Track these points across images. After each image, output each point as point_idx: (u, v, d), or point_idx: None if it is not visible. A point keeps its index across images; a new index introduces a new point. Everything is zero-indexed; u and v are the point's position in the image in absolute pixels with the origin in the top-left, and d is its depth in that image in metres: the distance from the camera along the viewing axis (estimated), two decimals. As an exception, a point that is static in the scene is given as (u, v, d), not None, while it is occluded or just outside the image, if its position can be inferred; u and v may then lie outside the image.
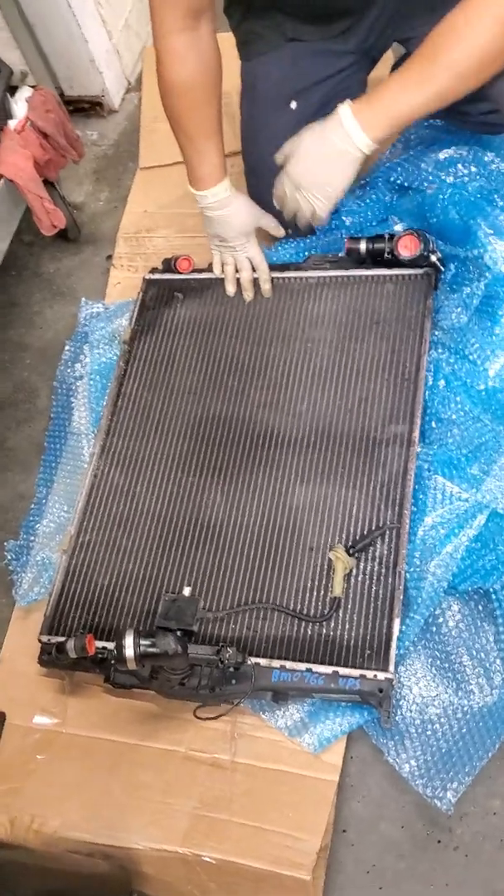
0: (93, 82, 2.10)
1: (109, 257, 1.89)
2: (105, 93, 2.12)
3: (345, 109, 1.26)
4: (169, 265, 1.65)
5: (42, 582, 1.45)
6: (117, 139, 2.12)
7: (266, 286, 1.53)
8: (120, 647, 1.15)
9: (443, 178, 1.42)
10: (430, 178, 1.44)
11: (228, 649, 1.20)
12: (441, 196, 1.39)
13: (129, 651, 1.14)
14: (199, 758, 1.22)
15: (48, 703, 1.33)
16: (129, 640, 1.15)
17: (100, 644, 1.29)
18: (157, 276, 1.66)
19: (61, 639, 1.32)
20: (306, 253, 1.61)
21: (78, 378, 1.66)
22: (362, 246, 1.46)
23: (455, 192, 1.38)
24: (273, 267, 1.58)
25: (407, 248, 1.39)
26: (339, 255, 1.56)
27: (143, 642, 1.15)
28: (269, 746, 1.22)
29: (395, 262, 1.47)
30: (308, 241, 1.62)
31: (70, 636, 1.32)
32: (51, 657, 1.32)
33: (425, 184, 1.45)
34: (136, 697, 1.30)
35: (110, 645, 1.29)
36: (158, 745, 1.24)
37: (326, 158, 1.30)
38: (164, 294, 1.64)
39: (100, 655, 1.28)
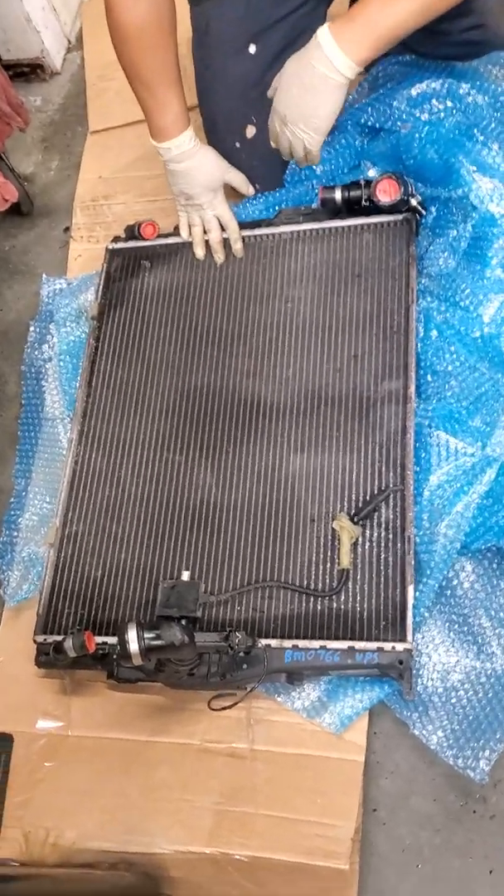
0: (31, 43, 1.97)
1: (67, 229, 1.79)
2: (45, 54, 2.00)
3: (324, 32, 1.17)
4: (132, 232, 1.55)
5: (31, 578, 1.38)
6: (63, 103, 2.00)
7: (237, 245, 1.45)
8: (123, 642, 1.08)
9: (417, 115, 1.34)
10: (404, 116, 1.36)
11: (237, 633, 1.14)
12: (417, 135, 1.31)
13: (133, 646, 1.07)
14: (216, 749, 1.16)
15: (50, 705, 1.26)
16: (132, 634, 1.08)
17: (99, 639, 1.22)
18: (120, 245, 1.57)
19: (58, 637, 1.25)
20: (276, 207, 1.52)
21: (47, 360, 1.56)
22: (337, 195, 1.38)
23: (432, 130, 1.29)
24: (243, 225, 1.49)
25: (386, 192, 1.31)
26: (313, 206, 1.47)
27: (147, 635, 1.08)
28: (288, 730, 1.16)
29: (373, 209, 1.39)
30: (277, 194, 1.53)
31: (66, 634, 1.25)
32: (48, 658, 1.24)
33: (398, 124, 1.37)
34: (142, 691, 1.24)
35: (110, 639, 1.23)
36: (171, 739, 1.18)
37: (309, 87, 1.20)
38: (129, 263, 1.55)
39: (100, 651, 1.22)
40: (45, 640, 1.27)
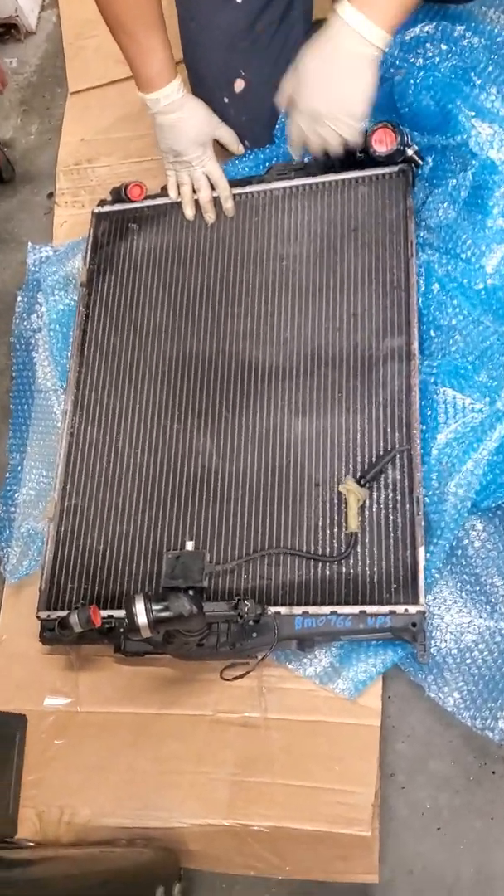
0: (3, 3, 1.90)
1: (51, 195, 1.73)
2: (18, 12, 1.92)
3: (343, 5, 1.09)
4: (119, 195, 1.50)
5: (31, 554, 1.35)
6: (40, 63, 1.93)
7: (228, 204, 1.40)
8: (131, 615, 1.05)
9: (411, 61, 1.28)
10: (397, 63, 1.30)
11: (246, 602, 1.11)
12: (412, 81, 1.26)
13: (141, 618, 1.04)
14: (229, 719, 1.14)
15: (57, 682, 1.24)
16: (139, 607, 1.05)
17: (104, 613, 1.20)
18: (107, 208, 1.52)
19: (62, 613, 1.23)
20: (267, 164, 1.47)
21: (36, 330, 1.52)
22: (330, 147, 1.33)
23: (427, 76, 1.24)
24: (233, 182, 1.44)
25: (382, 142, 1.26)
26: (305, 161, 1.43)
27: (154, 607, 1.05)
28: (301, 697, 1.14)
29: (368, 161, 1.34)
30: (267, 150, 1.48)
31: (70, 609, 1.23)
32: (53, 634, 1.22)
33: (391, 70, 1.31)
34: (150, 664, 1.22)
35: (116, 613, 1.20)
36: (183, 711, 1.16)
37: (339, 71, 1.12)
38: (117, 227, 1.50)
39: (107, 625, 1.19)
40: (48, 616, 1.24)
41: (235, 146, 1.43)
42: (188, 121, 1.33)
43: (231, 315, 1.36)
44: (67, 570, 1.27)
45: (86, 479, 1.32)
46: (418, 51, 1.29)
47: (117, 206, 1.50)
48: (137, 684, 1.20)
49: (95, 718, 1.18)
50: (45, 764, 1.15)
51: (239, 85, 1.42)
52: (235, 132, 1.45)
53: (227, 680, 1.12)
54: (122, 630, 1.19)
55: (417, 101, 1.27)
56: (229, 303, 1.37)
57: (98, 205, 1.52)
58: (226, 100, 1.42)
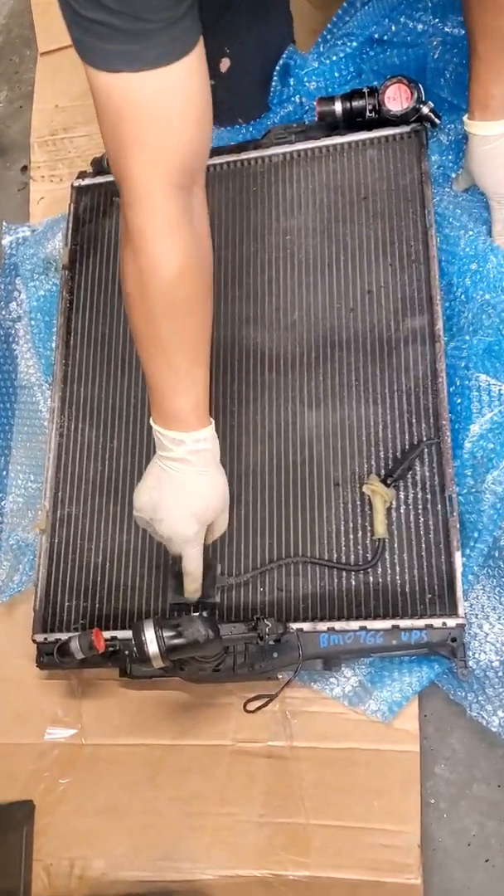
0: (-38, -44, 1.74)
1: (25, 168, 1.59)
2: (-21, -33, 1.76)
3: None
4: (101, 165, 1.36)
5: (22, 569, 1.23)
6: (6, 23, 1.77)
7: (191, 587, 1.05)
8: (140, 644, 0.94)
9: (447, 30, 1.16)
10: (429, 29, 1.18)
11: (266, 621, 1.00)
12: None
13: (151, 647, 0.93)
14: (251, 749, 1.03)
15: (58, 710, 1.13)
16: (149, 635, 0.93)
17: (107, 634, 1.08)
18: (87, 181, 1.37)
19: (60, 635, 1.11)
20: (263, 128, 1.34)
21: (16, 320, 1.39)
22: (337, 107, 1.20)
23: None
24: (226, 149, 1.31)
25: (396, 99, 1.14)
26: (305, 122, 1.29)
27: (166, 634, 0.94)
28: (330, 722, 1.04)
29: (377, 122, 1.21)
30: (261, 120, 1.35)
31: (69, 630, 1.12)
32: (51, 658, 1.10)
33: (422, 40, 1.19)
34: (160, 687, 1.10)
35: (120, 633, 1.09)
36: (200, 741, 1.05)
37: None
38: (100, 201, 1.36)
39: (110, 648, 1.08)
40: (45, 639, 1.12)
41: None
42: (212, 486, 0.99)
43: (231, 298, 1.23)
44: (63, 586, 1.16)
45: (79, 484, 1.20)
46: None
47: (99, 179, 1.36)
48: (147, 711, 1.09)
49: (104, 752, 1.07)
50: (52, 808, 1.04)
51: (224, 64, 1.30)
52: (225, 113, 1.32)
53: (251, 712, 1.01)
54: (128, 654, 1.08)
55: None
56: (228, 284, 1.24)
57: (78, 177, 1.38)
58: (212, 82, 1.29)
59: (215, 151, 1.31)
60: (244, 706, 1.00)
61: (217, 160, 1.29)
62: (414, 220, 1.18)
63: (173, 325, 0.91)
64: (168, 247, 0.87)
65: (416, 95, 1.13)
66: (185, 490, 0.97)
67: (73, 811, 1.03)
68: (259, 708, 1.00)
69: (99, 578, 1.14)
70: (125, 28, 0.76)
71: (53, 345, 1.30)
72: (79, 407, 1.24)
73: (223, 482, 1.02)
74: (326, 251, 1.21)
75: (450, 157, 1.26)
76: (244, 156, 1.29)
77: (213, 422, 0.99)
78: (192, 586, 1.04)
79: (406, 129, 1.21)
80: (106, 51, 0.78)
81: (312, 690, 1.06)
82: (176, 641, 0.94)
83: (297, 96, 1.32)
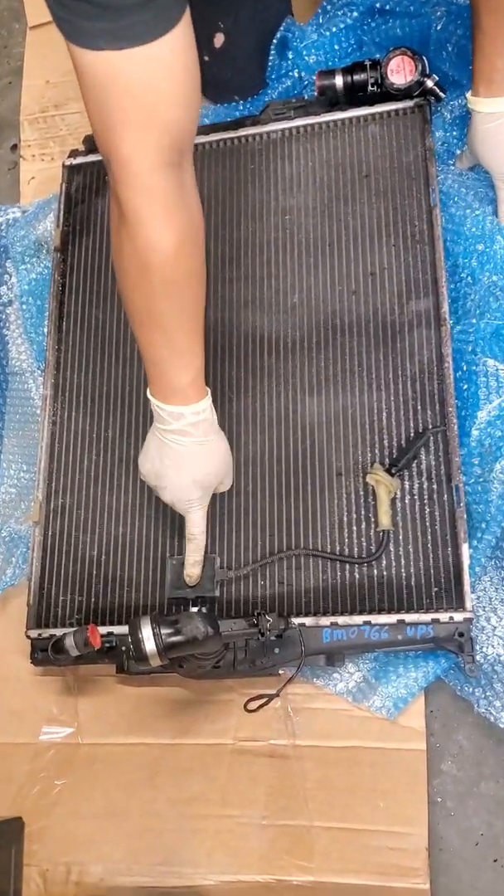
0: None
1: (15, 147, 1.54)
2: None
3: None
4: (93, 144, 1.31)
5: (15, 562, 1.19)
6: (-7, -4, 1.72)
7: (193, 570, 1.04)
8: (137, 641, 0.90)
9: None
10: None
11: (267, 616, 0.97)
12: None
13: (148, 645, 0.90)
14: (253, 748, 1.00)
15: (54, 708, 1.10)
16: (146, 632, 0.90)
17: (103, 629, 1.05)
18: (80, 159, 1.33)
19: (54, 631, 1.08)
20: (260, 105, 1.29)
21: (7, 304, 1.34)
22: (338, 80, 1.15)
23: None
24: (223, 126, 1.27)
25: (400, 71, 1.09)
26: (305, 97, 1.25)
27: (164, 631, 0.91)
28: (333, 719, 1.01)
29: (379, 96, 1.17)
30: (259, 97, 1.30)
31: (63, 625, 1.09)
32: (45, 655, 1.07)
33: (426, 9, 1.14)
34: (158, 684, 1.08)
35: (116, 629, 1.06)
36: (199, 740, 1.02)
37: None
38: (93, 181, 1.31)
39: (106, 644, 1.05)
40: (39, 634, 1.09)
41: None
42: (212, 453, 0.99)
43: (228, 279, 1.19)
44: (58, 580, 1.12)
45: (73, 474, 1.16)
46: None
47: (92, 157, 1.32)
48: (145, 709, 1.06)
49: (101, 752, 1.04)
50: (47, 811, 1.01)
51: (219, 39, 1.25)
52: (220, 89, 1.28)
53: (252, 711, 0.98)
54: (124, 650, 1.04)
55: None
56: (226, 265, 1.20)
57: (70, 156, 1.34)
58: (206, 58, 1.25)
59: (211, 128, 1.26)
60: (245, 706, 0.97)
61: (213, 137, 1.25)
62: (418, 199, 1.14)
63: (172, 301, 0.89)
64: (165, 223, 0.84)
65: (420, 68, 1.09)
66: (185, 460, 0.97)
67: (69, 814, 1.00)
68: (260, 707, 0.97)
69: (94, 572, 1.11)
70: (104, 4, 0.72)
71: (45, 330, 1.26)
72: (72, 394, 1.21)
73: (224, 447, 1.01)
74: (327, 231, 1.17)
75: (454, 133, 1.22)
76: (241, 132, 1.25)
77: (210, 390, 0.97)
78: (194, 557, 1.03)
79: (409, 103, 1.17)
80: (87, 29, 0.74)
81: (315, 686, 1.03)
82: (174, 639, 0.90)
83: (296, 70, 1.27)
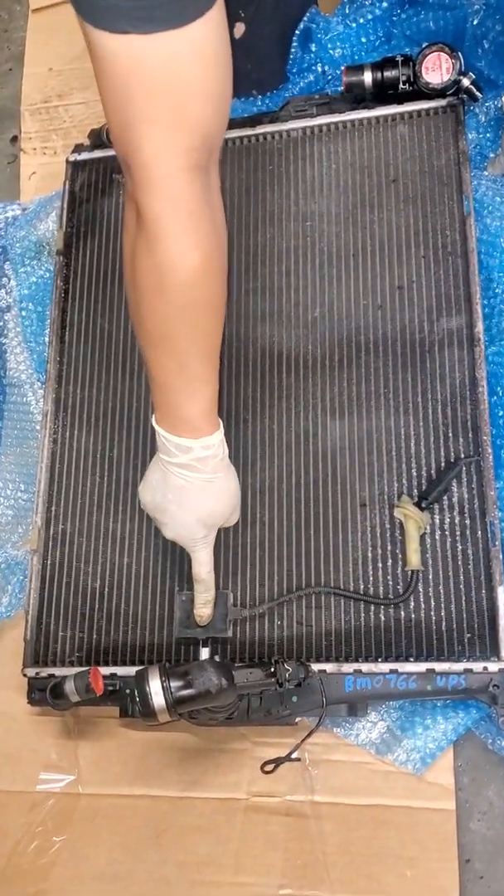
0: None
1: (15, 139, 1.45)
2: None
3: None
4: (100, 138, 1.23)
5: (11, 591, 1.11)
6: (-7, -24, 1.62)
7: (204, 610, 0.96)
8: (144, 695, 0.83)
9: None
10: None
11: (286, 665, 0.89)
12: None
13: (157, 700, 0.83)
14: (268, 805, 0.93)
15: (52, 753, 1.02)
16: (154, 686, 0.83)
17: (106, 671, 0.97)
18: (84, 155, 1.24)
19: (53, 670, 1.01)
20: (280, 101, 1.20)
21: (5, 310, 1.26)
22: (366, 77, 1.07)
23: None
24: (240, 122, 1.18)
25: (436, 69, 1.00)
26: (328, 94, 1.16)
27: (174, 684, 0.83)
28: (355, 773, 0.93)
29: (408, 94, 1.08)
30: (279, 92, 1.22)
31: (63, 663, 1.02)
32: (43, 695, 0.99)
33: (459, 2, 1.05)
34: (165, 728, 0.98)
35: (120, 670, 0.98)
36: (210, 794, 0.95)
37: None
38: (99, 178, 1.22)
39: (109, 688, 0.97)
40: (37, 673, 1.01)
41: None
42: (220, 492, 0.89)
43: (244, 291, 1.11)
44: (57, 614, 1.04)
45: (75, 498, 1.08)
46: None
47: (98, 153, 1.23)
48: (151, 757, 0.98)
49: (103, 804, 0.96)
50: (46, 872, 0.93)
51: (239, 30, 1.16)
52: (239, 83, 1.18)
53: (268, 773, 0.90)
54: (129, 693, 0.97)
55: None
56: (241, 275, 1.11)
57: (74, 151, 1.25)
58: None
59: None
60: (261, 768, 0.89)
61: (229, 134, 1.15)
62: (450, 207, 1.06)
63: (191, 325, 0.80)
64: (190, 236, 0.75)
65: (458, 66, 1.00)
66: (189, 497, 0.88)
67: (69, 876, 0.92)
68: (276, 768, 0.89)
69: (96, 605, 1.03)
70: None
71: (47, 339, 1.18)
72: (75, 410, 1.12)
73: (234, 485, 0.92)
74: (351, 240, 1.08)
75: (487, 135, 1.14)
76: (259, 130, 1.16)
77: (222, 423, 0.88)
78: (203, 597, 0.95)
79: (442, 102, 1.08)
80: (109, 8, 0.66)
81: (335, 736, 0.95)
82: (185, 692, 0.83)
83: (319, 64, 1.19)
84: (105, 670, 0.97)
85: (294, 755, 0.92)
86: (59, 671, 1.00)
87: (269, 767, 0.90)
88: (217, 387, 0.86)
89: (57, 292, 1.18)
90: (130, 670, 0.97)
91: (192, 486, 0.87)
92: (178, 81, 0.70)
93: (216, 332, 0.84)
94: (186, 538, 0.91)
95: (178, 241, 0.75)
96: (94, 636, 1.02)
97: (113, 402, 1.11)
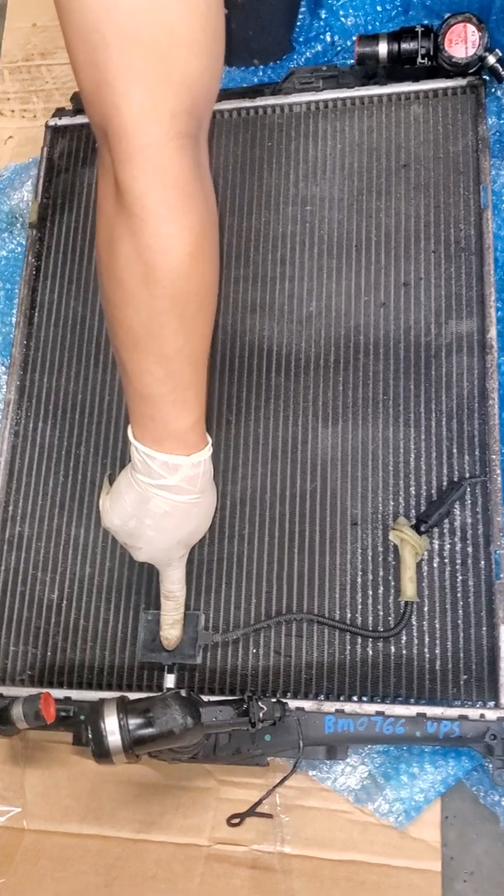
0: None
1: (-9, 99, 1.34)
2: None
3: None
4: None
5: (-39, 598, 1.00)
6: None
7: (170, 632, 0.87)
8: (98, 734, 0.73)
9: None
10: None
11: (260, 704, 0.79)
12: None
13: (112, 739, 0.73)
14: (232, 855, 0.83)
15: (-5, 780, 0.92)
16: (110, 723, 0.73)
17: (59, 694, 0.88)
18: (66, 120, 1.13)
19: (1, 689, 0.90)
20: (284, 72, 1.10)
21: (-30, 286, 1.15)
22: (381, 48, 0.96)
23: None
24: (238, 92, 1.07)
25: (461, 41, 0.90)
26: (336, 66, 1.05)
27: (132, 721, 0.73)
28: (329, 822, 0.84)
29: (425, 71, 0.98)
30: (283, 62, 1.12)
31: (13, 682, 0.92)
32: (-11, 717, 0.89)
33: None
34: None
35: (75, 693, 0.88)
36: (168, 837, 0.85)
37: None
38: (79, 146, 1.12)
39: (62, 714, 0.87)
40: (-17, 692, 0.91)
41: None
42: (204, 509, 0.79)
43: (234, 278, 1.00)
44: (9, 626, 0.94)
45: (35, 498, 0.98)
46: None
47: (80, 118, 1.12)
48: (105, 791, 0.88)
49: (49, 843, 0.86)
50: (-24, 922, 0.84)
51: None
52: (238, 50, 1.08)
53: (234, 825, 0.81)
54: (83, 724, 0.86)
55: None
56: (232, 261, 1.01)
57: (54, 115, 1.14)
58: (225, 12, 1.05)
59: (224, 94, 1.07)
60: (228, 821, 0.80)
61: (225, 105, 1.06)
62: (465, 198, 0.96)
63: (181, 323, 0.69)
64: (181, 219, 0.64)
65: (485, 40, 0.90)
66: (171, 522, 0.77)
67: (4, 929, 0.83)
68: (242, 822, 0.80)
69: (52, 619, 0.93)
70: None
71: (13, 320, 1.07)
72: (40, 401, 1.02)
73: (214, 500, 0.81)
74: (354, 229, 0.98)
75: (509, 121, 1.04)
76: (259, 102, 1.05)
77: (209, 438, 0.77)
78: (172, 616, 0.85)
79: (462, 82, 0.98)
80: None
81: (310, 779, 0.86)
82: (144, 732, 0.73)
83: (328, 33, 1.08)
84: (58, 693, 0.88)
85: (265, 804, 0.83)
86: (6, 690, 0.90)
87: (235, 821, 0.81)
88: (205, 392, 0.75)
89: (28, 270, 1.07)
90: (87, 695, 0.88)
91: (177, 509, 0.76)
92: (161, 28, 0.59)
93: (209, 331, 0.72)
94: (162, 560, 0.81)
95: (167, 222, 0.64)
96: (49, 653, 0.91)
97: (83, 393, 1.00)
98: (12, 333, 1.06)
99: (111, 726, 0.72)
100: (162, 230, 0.64)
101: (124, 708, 0.73)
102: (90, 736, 0.73)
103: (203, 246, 0.67)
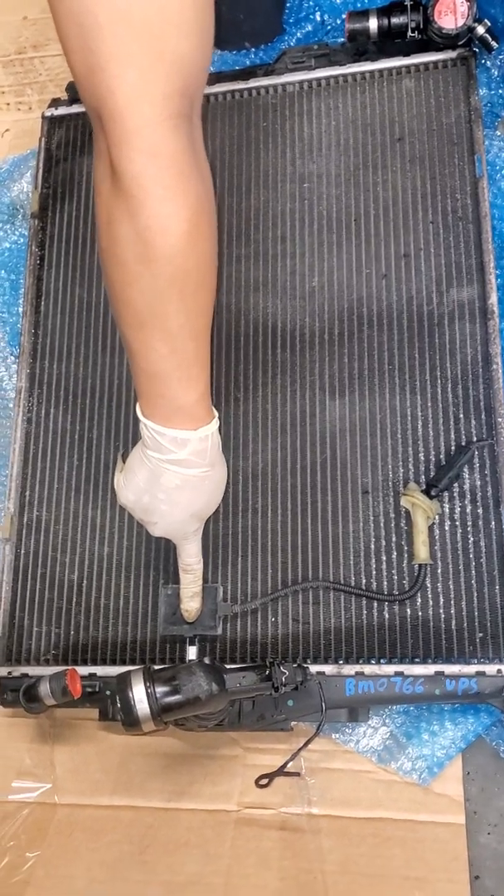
0: None
1: (-14, 93, 1.35)
2: None
3: None
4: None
5: (-18, 582, 1.02)
6: None
7: (191, 604, 0.88)
8: (127, 703, 0.75)
9: None
10: None
11: (282, 668, 0.81)
12: None
13: (140, 707, 0.74)
14: (261, 818, 0.85)
15: (26, 758, 0.93)
16: (138, 692, 0.75)
17: (84, 670, 0.89)
18: (62, 110, 1.14)
19: (26, 669, 0.93)
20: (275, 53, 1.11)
21: (-25, 277, 1.16)
22: (372, 23, 0.98)
23: None
24: (231, 75, 1.09)
25: (450, 12, 0.91)
26: (327, 44, 1.07)
27: (159, 689, 0.75)
28: (356, 783, 0.86)
29: (416, 45, 1.00)
30: (274, 44, 1.12)
31: (38, 661, 0.94)
32: (16, 696, 0.91)
33: None
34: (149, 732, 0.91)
35: (100, 669, 0.90)
36: (198, 804, 0.87)
37: None
38: (76, 135, 1.13)
39: (88, 689, 0.89)
40: (9, 672, 0.93)
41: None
42: (216, 483, 0.81)
43: (236, 258, 1.02)
44: (31, 608, 0.96)
45: (51, 482, 1.00)
46: None
47: (76, 108, 1.13)
48: (133, 764, 0.90)
49: (82, 816, 0.88)
50: (18, 893, 0.85)
51: None
52: (229, 34, 1.09)
53: (263, 786, 0.83)
54: (109, 696, 0.89)
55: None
56: (233, 241, 1.02)
57: (50, 106, 1.15)
58: None
59: (217, 78, 1.08)
60: (256, 782, 0.82)
61: (219, 88, 1.07)
62: (460, 168, 0.98)
63: (182, 300, 0.70)
64: (179, 199, 0.65)
65: (473, 10, 0.91)
66: (183, 495, 0.79)
67: (43, 898, 0.85)
68: (270, 782, 0.82)
69: (74, 599, 0.95)
70: None
71: (20, 310, 1.09)
72: (51, 387, 1.03)
73: (225, 472, 0.83)
74: (353, 203, 1.00)
75: (499, 92, 1.05)
76: (252, 84, 1.07)
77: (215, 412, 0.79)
78: (191, 589, 0.87)
79: (452, 54, 1.00)
80: None
81: (333, 742, 0.88)
82: (172, 699, 0.75)
83: (318, 13, 1.10)
84: (83, 670, 0.89)
85: (291, 767, 0.85)
86: (32, 670, 0.92)
87: (263, 782, 0.83)
88: (209, 365, 0.77)
89: (32, 259, 1.09)
90: (111, 670, 0.90)
91: (188, 482, 0.78)
92: (154, 12, 0.61)
93: (209, 307, 0.74)
94: (178, 534, 0.83)
95: (164, 202, 0.66)
96: (72, 632, 0.93)
97: (92, 378, 1.02)
98: (20, 323, 1.07)
99: (139, 695, 0.74)
100: (159, 210, 0.66)
101: (151, 677, 0.75)
102: (119, 706, 0.75)
103: (200, 224, 0.68)
